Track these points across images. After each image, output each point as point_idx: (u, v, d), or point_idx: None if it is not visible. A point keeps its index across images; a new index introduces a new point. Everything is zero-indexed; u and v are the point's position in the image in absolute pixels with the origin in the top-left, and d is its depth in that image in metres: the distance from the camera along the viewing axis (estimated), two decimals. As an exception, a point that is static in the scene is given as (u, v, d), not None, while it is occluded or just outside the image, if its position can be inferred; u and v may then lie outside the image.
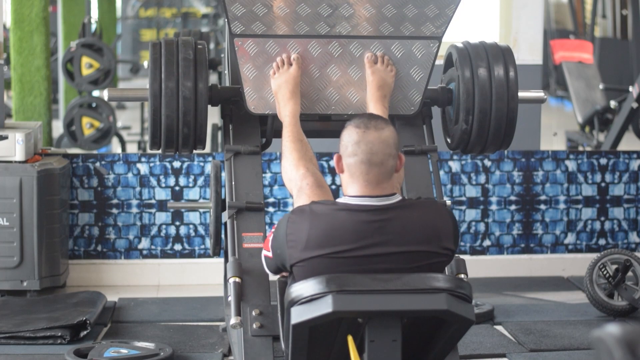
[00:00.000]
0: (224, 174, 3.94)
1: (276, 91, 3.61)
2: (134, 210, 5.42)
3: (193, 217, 5.44)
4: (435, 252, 2.87)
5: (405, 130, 3.76)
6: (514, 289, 5.36)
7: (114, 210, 5.41)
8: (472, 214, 5.57)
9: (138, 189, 5.41)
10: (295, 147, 3.43)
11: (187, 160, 5.41)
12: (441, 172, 5.47)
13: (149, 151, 5.77)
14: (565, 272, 5.64)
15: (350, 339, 2.75)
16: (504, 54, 3.74)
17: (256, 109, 3.65)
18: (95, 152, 7.17)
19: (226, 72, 4.12)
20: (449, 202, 3.63)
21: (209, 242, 5.03)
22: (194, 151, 3.67)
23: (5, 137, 4.97)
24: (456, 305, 2.74)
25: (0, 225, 4.97)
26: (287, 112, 3.55)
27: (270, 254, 3.02)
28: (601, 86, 8.85)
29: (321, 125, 3.89)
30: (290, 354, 2.84)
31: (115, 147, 8.64)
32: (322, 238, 2.82)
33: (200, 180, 5.41)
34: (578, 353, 4.32)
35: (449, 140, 3.88)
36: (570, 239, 5.65)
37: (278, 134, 3.61)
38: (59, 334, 4.37)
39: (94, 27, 7.65)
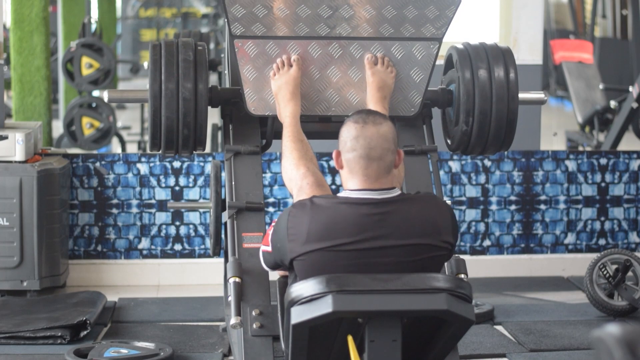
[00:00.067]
0: (224, 174, 3.94)
1: (276, 92, 3.60)
2: (134, 210, 5.42)
3: (193, 217, 5.44)
4: (436, 246, 2.87)
5: (405, 131, 3.76)
6: (514, 289, 5.36)
7: (114, 210, 5.41)
8: (472, 214, 5.57)
9: (138, 189, 5.41)
10: (295, 146, 3.43)
11: (187, 160, 5.41)
12: (441, 172, 5.47)
13: (149, 151, 5.77)
14: (565, 272, 5.65)
15: (350, 339, 2.75)
16: (504, 55, 3.74)
17: (256, 111, 3.65)
18: (95, 152, 7.17)
19: (226, 72, 4.12)
20: (449, 202, 3.63)
21: (209, 242, 5.03)
22: (194, 152, 3.68)
23: (5, 137, 4.97)
24: (456, 305, 2.74)
25: (0, 225, 4.97)
26: (287, 113, 3.55)
27: (269, 249, 3.01)
28: (601, 86, 8.85)
29: (321, 126, 3.88)
30: (290, 354, 2.85)
31: (115, 147, 8.64)
32: (323, 231, 2.82)
33: (200, 180, 5.42)
34: (578, 353, 4.32)
35: (449, 141, 3.88)
36: (570, 239, 5.65)
37: (278, 135, 3.60)
38: (59, 334, 4.38)
39: (94, 27, 7.65)
